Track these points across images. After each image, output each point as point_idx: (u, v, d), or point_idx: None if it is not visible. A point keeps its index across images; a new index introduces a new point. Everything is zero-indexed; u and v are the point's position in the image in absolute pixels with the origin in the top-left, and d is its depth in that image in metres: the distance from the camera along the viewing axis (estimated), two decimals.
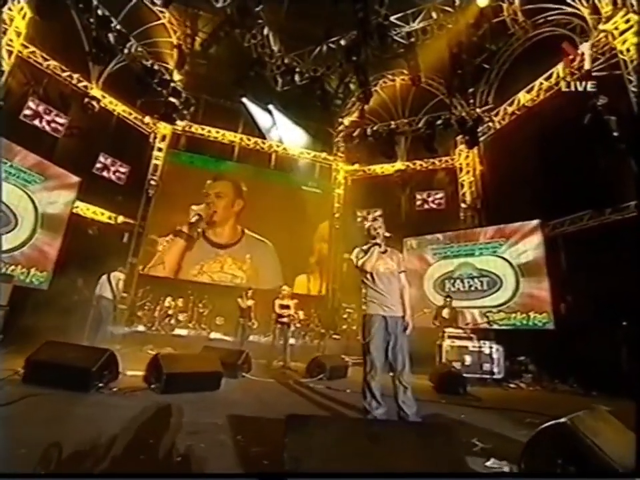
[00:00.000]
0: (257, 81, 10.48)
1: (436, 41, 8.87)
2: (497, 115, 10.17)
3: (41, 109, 8.26)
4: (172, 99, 8.98)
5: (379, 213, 12.77)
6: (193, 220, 10.87)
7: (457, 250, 9.52)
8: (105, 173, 9.71)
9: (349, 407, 3.89)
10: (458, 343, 6.58)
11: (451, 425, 2.97)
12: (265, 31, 8.83)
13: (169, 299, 9.08)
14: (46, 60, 8.31)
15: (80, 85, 8.92)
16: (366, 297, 3.31)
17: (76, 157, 9.06)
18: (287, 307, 7.39)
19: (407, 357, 3.13)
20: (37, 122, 8.21)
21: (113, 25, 7.34)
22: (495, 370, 6.28)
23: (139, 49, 8.40)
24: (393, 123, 11.15)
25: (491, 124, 10.34)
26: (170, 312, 8.79)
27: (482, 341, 6.47)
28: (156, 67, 8.72)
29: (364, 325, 3.29)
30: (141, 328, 8.36)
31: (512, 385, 6.27)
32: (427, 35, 8.51)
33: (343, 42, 9.23)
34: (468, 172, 11.24)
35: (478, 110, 9.78)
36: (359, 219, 13.17)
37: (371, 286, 3.26)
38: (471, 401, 4.71)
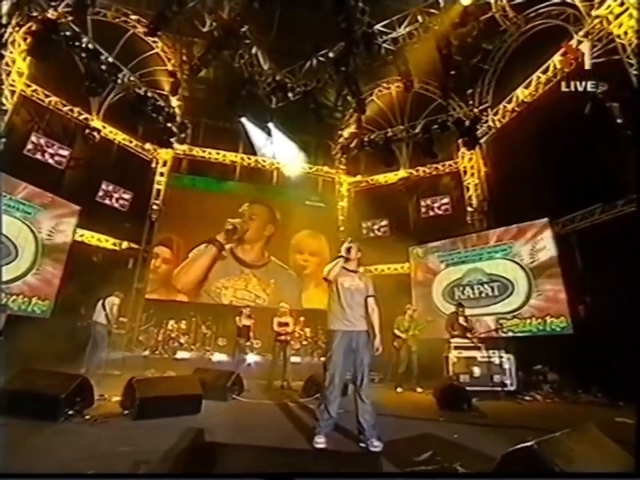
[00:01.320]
0: (252, 100, 10.66)
1: (425, 44, 8.73)
2: (496, 113, 9.85)
3: (43, 142, 8.60)
4: (168, 124, 9.14)
5: (384, 222, 12.63)
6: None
7: (464, 255, 9.10)
8: (107, 201, 9.93)
9: (337, 429, 3.57)
10: (465, 353, 6.15)
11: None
12: (254, 50, 8.96)
13: (171, 321, 9.02)
14: (47, 96, 8.70)
15: (81, 117, 9.27)
16: (329, 312, 3.34)
17: (79, 187, 9.35)
18: (286, 324, 7.16)
19: (366, 371, 3.16)
20: (39, 155, 8.53)
21: (103, 57, 7.63)
22: (507, 381, 5.80)
23: (132, 78, 8.69)
24: (389, 130, 10.97)
25: (491, 123, 10.02)
26: (172, 335, 8.71)
27: (491, 351, 6.00)
28: (150, 94, 8.96)
29: (327, 340, 3.37)
30: (144, 352, 8.29)
31: (527, 398, 5.75)
32: (414, 39, 8.40)
33: (331, 54, 9.26)
34: (472, 174, 10.87)
35: (475, 110, 9.48)
36: (364, 231, 12.98)
37: (335, 300, 3.31)
38: (473, 417, 4.30)
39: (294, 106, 10.89)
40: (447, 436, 3.37)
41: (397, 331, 6.96)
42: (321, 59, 9.49)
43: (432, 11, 8.09)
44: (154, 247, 10.72)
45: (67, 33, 7.09)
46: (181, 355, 8.32)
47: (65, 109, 9.01)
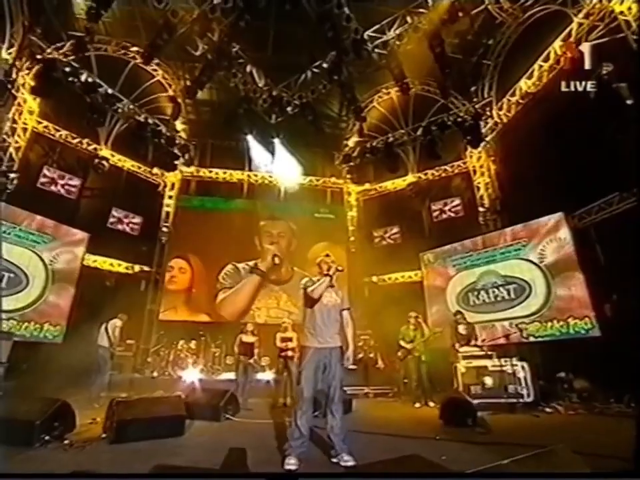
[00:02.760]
0: (253, 117, 10.82)
1: (418, 44, 8.57)
2: (500, 108, 9.44)
3: (55, 175, 9.05)
4: (169, 148, 9.41)
5: (396, 229, 12.28)
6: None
7: (476, 258, 8.62)
8: (119, 226, 10.26)
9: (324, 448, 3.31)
10: (475, 363, 5.70)
11: None
12: (248, 69, 9.10)
13: (181, 342, 9.02)
14: (58, 131, 9.19)
15: (90, 147, 9.71)
16: (304, 328, 3.33)
17: (91, 214, 9.75)
18: (289, 339, 6.97)
19: (338, 387, 3.14)
20: (52, 187, 8.96)
21: (102, 89, 8.00)
22: (523, 392, 5.28)
23: (131, 106, 9.04)
24: (390, 135, 10.76)
25: (497, 119, 9.62)
26: (182, 355, 8.70)
27: (503, 359, 5.51)
28: (150, 121, 9.28)
29: (299, 356, 3.49)
30: (153, 374, 8.31)
31: (548, 409, 5.20)
32: (403, 41, 8.25)
33: (325, 65, 9.25)
34: (482, 173, 10.41)
35: (476, 106, 9.13)
36: (376, 239, 12.68)
37: (311, 317, 3.29)
38: (476, 434, 3.89)
39: (297, 120, 10.97)
40: (435, 457, 3.03)
41: (401, 342, 6.59)
42: (315, 70, 9.51)
43: (421, 10, 7.94)
44: (165, 268, 10.90)
45: (67, 69, 7.49)
46: (188, 375, 8.25)
47: (75, 141, 9.47)
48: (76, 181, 9.37)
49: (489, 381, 5.47)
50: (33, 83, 7.53)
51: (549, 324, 7.10)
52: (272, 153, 12.47)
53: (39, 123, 8.88)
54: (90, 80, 7.86)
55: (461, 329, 6.47)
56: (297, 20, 8.75)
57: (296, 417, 3.01)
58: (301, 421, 2.99)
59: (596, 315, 6.49)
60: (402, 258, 11.08)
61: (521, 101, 8.86)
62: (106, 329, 6.60)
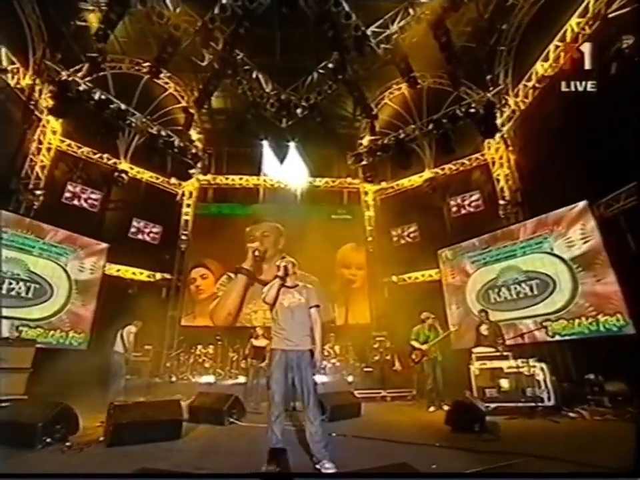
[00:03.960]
0: (264, 122, 10.92)
1: (424, 36, 8.31)
2: (517, 95, 8.95)
3: (78, 189, 9.55)
4: (183, 158, 9.67)
5: (414, 227, 11.92)
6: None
7: (496, 254, 8.18)
8: (139, 236, 10.65)
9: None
10: (489, 364, 5.35)
11: None
12: (254, 74, 9.20)
13: (199, 346, 9.19)
14: (79, 148, 9.71)
15: (110, 162, 10.18)
16: (272, 331, 3.28)
17: (112, 226, 10.21)
18: None
19: (312, 391, 3.02)
20: (76, 202, 9.46)
21: (114, 105, 8.37)
22: (543, 395, 4.89)
23: (143, 120, 9.38)
24: (401, 132, 10.48)
25: (514, 107, 9.12)
26: (200, 360, 8.86)
27: (520, 360, 5.14)
28: (163, 132, 9.59)
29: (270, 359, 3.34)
30: (172, 378, 8.49)
31: (572, 414, 4.77)
32: (406, 33, 8.02)
33: (330, 65, 9.18)
34: (501, 165, 9.90)
35: (488, 95, 8.70)
36: (394, 238, 12.38)
37: (275, 319, 3.23)
38: (481, 441, 3.62)
39: (309, 122, 10.95)
40: (425, 467, 2.84)
41: (414, 343, 6.32)
42: (321, 71, 9.47)
43: (422, 0, 7.69)
44: (187, 275, 11.19)
45: (80, 89, 7.90)
46: (205, 379, 8.38)
47: (95, 156, 9.96)
48: (98, 195, 9.85)
49: (505, 383, 5.12)
50: (50, 104, 7.98)
51: (577, 321, 6.57)
52: (286, 157, 12.54)
53: (62, 141, 9.42)
54: (103, 97, 8.25)
55: (483, 329, 6.12)
56: (302, 22, 8.77)
57: (271, 423, 2.92)
58: (275, 426, 2.91)
59: (629, 310, 5.92)
60: (421, 256, 10.76)
61: (537, 85, 8.35)
62: (121, 335, 6.83)
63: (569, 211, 6.96)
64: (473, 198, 10.59)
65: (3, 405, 4.55)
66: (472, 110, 8.64)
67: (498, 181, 9.92)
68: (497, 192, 9.86)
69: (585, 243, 6.65)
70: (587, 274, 6.57)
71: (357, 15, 7.84)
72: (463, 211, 10.78)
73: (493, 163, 10.17)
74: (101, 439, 3.79)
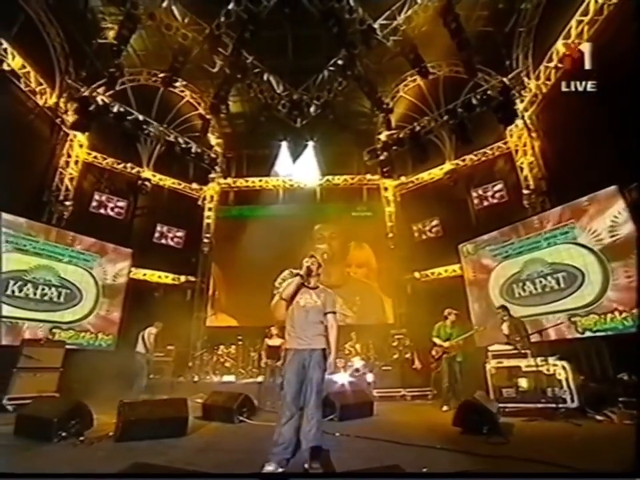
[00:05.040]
0: (281, 123, 11.00)
1: (433, 24, 8.05)
2: (538, 77, 8.43)
3: (104, 198, 10.09)
4: (200, 163, 9.96)
5: (435, 222, 11.56)
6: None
7: (518, 246, 7.74)
8: (163, 241, 11.07)
9: None
10: (506, 362, 5.07)
11: None
12: (265, 77, 9.29)
13: (222, 347, 9.41)
14: (105, 159, 10.27)
15: (133, 171, 10.67)
16: (286, 330, 3.26)
17: (137, 232, 10.70)
18: None
19: (314, 390, 2.95)
20: (102, 210, 10.00)
21: (130, 116, 8.77)
22: (566, 396, 4.56)
23: (160, 128, 9.75)
24: (416, 125, 10.18)
25: (536, 90, 8.60)
26: (221, 360, 9.07)
27: (539, 358, 4.83)
28: (180, 140, 9.92)
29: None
30: (194, 378, 8.75)
31: (598, 417, 4.41)
32: (413, 23, 7.78)
33: (340, 62, 9.10)
34: (525, 152, 9.37)
35: (504, 79, 8.25)
36: (415, 234, 12.07)
37: (290, 318, 3.20)
38: (484, 444, 3.42)
39: (325, 121, 10.91)
40: (416, 469, 2.73)
41: (436, 339, 6.13)
42: (331, 68, 9.39)
43: None
44: (209, 277, 11.51)
45: (100, 103, 8.35)
46: (226, 378, 8.57)
47: (120, 166, 10.49)
48: (123, 203, 10.36)
49: (523, 383, 4.84)
50: (73, 120, 8.49)
51: (609, 316, 6.07)
52: (304, 156, 12.55)
53: (89, 154, 10.01)
54: (121, 110, 8.67)
55: (504, 327, 5.83)
56: (311, 21, 8.77)
57: (281, 423, 2.89)
58: (284, 426, 2.86)
59: None
60: (444, 251, 10.40)
61: (560, 66, 7.82)
62: (142, 336, 7.13)
63: (597, 198, 6.45)
64: (496, 188, 10.10)
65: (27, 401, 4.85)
66: (486, 97, 8.21)
67: (521, 169, 9.40)
68: (521, 181, 9.34)
69: (616, 231, 6.14)
70: (619, 265, 6.06)
71: (364, 9, 7.72)
72: (486, 203, 10.31)
73: (516, 151, 9.64)
74: (111, 434, 3.96)
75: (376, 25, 8.15)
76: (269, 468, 2.73)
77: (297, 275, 3.26)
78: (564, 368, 4.66)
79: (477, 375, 6.06)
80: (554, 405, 4.53)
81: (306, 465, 2.84)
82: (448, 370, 5.99)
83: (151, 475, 2.81)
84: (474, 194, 10.64)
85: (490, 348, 5.40)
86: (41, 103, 8.45)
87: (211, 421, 5.08)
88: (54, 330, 7.60)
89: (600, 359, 5.96)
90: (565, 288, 6.74)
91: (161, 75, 9.89)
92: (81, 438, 3.85)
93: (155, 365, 7.75)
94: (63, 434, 3.80)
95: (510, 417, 4.61)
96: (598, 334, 6.14)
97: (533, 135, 9.08)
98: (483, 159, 10.67)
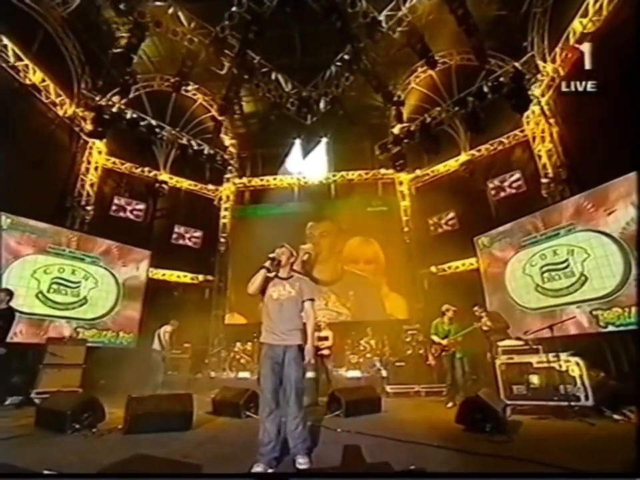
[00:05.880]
0: (292, 121, 11.03)
1: (439, 12, 7.84)
2: (554, 60, 8.02)
3: (123, 202, 10.49)
4: (213, 164, 10.17)
5: (452, 215, 11.27)
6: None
7: (535, 236, 7.43)
8: (181, 241, 11.39)
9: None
10: (517, 358, 4.89)
11: None
12: (273, 76, 9.34)
13: (238, 344, 9.59)
14: (123, 164, 10.67)
15: (150, 174, 11.03)
16: (262, 325, 3.16)
17: (157, 233, 11.06)
18: (325, 338, 6.92)
19: (293, 388, 2.88)
20: (122, 214, 10.41)
21: (143, 122, 9.07)
22: (580, 394, 4.35)
23: (173, 132, 10.01)
24: (427, 116, 9.94)
25: (553, 74, 8.20)
26: (237, 357, 9.25)
27: (551, 354, 4.63)
28: (193, 142, 10.16)
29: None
30: (212, 374, 8.99)
31: (616, 416, 4.17)
32: (418, 12, 7.58)
33: (346, 56, 9.02)
34: (543, 140, 8.97)
35: (516, 64, 7.90)
36: (431, 227, 11.82)
37: (264, 312, 3.13)
38: (485, 443, 3.32)
39: (336, 117, 10.84)
40: (402, 466, 2.69)
41: (434, 337, 6.02)
42: (338, 64, 9.33)
43: None
44: (227, 276, 11.73)
45: (114, 111, 8.68)
46: (242, 374, 8.74)
47: (138, 170, 10.88)
48: (142, 205, 10.73)
49: (534, 379, 4.65)
50: (90, 128, 8.88)
51: (634, 309, 5.73)
52: (315, 153, 12.54)
53: (108, 159, 10.43)
54: (134, 116, 8.99)
55: (483, 322, 5.71)
56: (317, 19, 8.74)
57: (263, 421, 2.82)
58: (267, 423, 2.79)
59: None
60: (460, 244, 10.12)
61: (577, 46, 7.40)
62: (158, 334, 7.38)
63: (615, 185, 6.09)
64: (513, 178, 9.73)
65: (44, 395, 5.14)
66: (498, 84, 7.90)
67: (539, 157, 9.00)
68: (539, 170, 8.95)
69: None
70: None
71: (367, 1, 7.61)
72: (503, 194, 9.95)
73: (534, 139, 9.25)
74: (119, 427, 4.14)
75: (381, 17, 8.02)
76: (258, 469, 2.66)
77: (262, 267, 3.10)
78: (577, 364, 4.44)
79: (482, 370, 5.93)
80: (566, 403, 4.33)
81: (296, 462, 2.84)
82: (449, 367, 5.89)
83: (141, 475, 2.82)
84: (490, 185, 10.29)
85: (500, 343, 5.22)
86: (60, 113, 8.87)
87: (220, 416, 5.21)
88: (78, 329, 8.00)
89: (626, 355, 5.65)
90: (585, 278, 6.41)
91: (171, 79, 10.16)
92: (93, 430, 4.05)
93: (171, 362, 8.01)
94: (77, 426, 4.01)
95: (521, 414, 4.47)
96: (621, 328, 5.81)
97: (551, 121, 8.67)
98: (500, 148, 10.30)
